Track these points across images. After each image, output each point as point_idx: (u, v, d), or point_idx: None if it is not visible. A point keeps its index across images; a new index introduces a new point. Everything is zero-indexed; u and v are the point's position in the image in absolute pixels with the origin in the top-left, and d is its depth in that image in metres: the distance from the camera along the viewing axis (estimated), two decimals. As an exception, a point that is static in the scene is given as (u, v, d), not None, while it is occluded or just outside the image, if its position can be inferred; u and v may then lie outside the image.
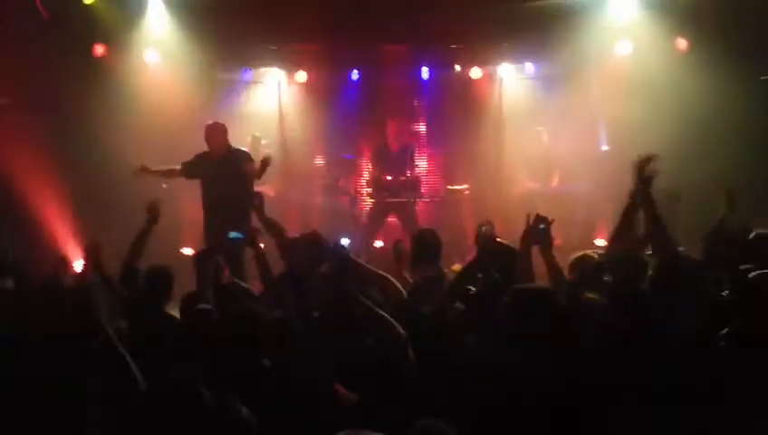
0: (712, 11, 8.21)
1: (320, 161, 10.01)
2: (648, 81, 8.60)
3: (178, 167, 7.28)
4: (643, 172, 3.92)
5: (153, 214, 4.83)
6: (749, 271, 3.47)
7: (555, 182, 9.27)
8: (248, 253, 4.99)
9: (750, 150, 7.99)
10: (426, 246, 4.76)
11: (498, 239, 4.23)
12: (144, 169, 7.10)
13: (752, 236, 4.31)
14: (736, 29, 8.02)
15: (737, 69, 8.05)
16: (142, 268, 4.64)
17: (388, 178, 8.92)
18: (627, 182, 4.11)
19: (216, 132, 7.10)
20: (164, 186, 8.03)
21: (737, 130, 7.98)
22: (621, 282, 3.77)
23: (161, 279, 4.50)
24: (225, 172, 6.96)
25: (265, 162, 7.12)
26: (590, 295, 3.60)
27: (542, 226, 4.06)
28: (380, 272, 4.36)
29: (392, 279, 4.30)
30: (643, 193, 3.91)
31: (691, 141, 7.94)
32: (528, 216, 4.10)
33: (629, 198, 4.07)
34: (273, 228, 4.82)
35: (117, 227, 5.73)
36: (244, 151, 7.38)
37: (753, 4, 7.86)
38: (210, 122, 7.25)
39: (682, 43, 8.77)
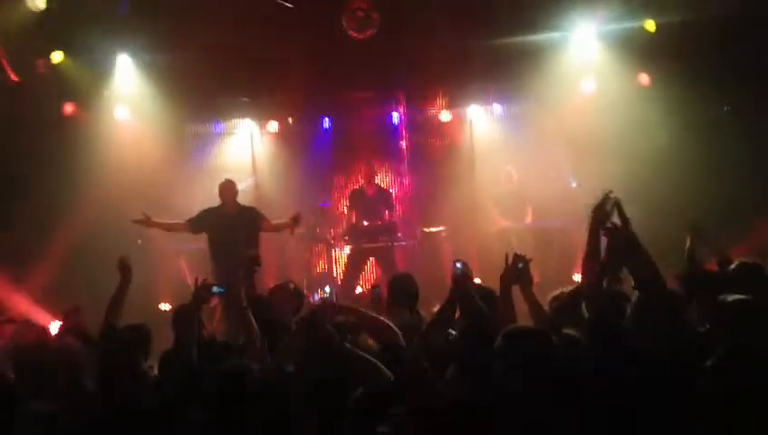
0: (672, 46, 8.45)
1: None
2: (613, 116, 8.79)
3: (182, 221, 7.58)
4: (601, 213, 3.91)
5: (124, 272, 4.78)
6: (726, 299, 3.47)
7: (529, 219, 9.35)
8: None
9: (716, 180, 8.14)
10: (402, 291, 4.77)
11: (475, 280, 4.24)
12: (147, 220, 7.32)
13: (734, 265, 4.33)
14: (697, 62, 8.25)
15: (700, 101, 8.27)
16: (120, 326, 4.57)
17: (365, 223, 8.94)
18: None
19: (230, 189, 7.62)
20: (138, 241, 7.98)
21: (703, 160, 8.14)
22: (599, 317, 3.75)
23: (139, 336, 4.44)
24: (236, 227, 7.34)
25: (296, 218, 7.46)
26: (569, 331, 3.59)
27: (520, 265, 4.07)
28: (375, 316, 4.33)
29: (389, 324, 4.27)
30: (595, 231, 3.90)
31: (657, 174, 8.10)
32: (506, 255, 4.11)
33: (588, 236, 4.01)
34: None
35: (91, 285, 5.65)
36: (253, 208, 7.79)
37: (711, 36, 8.09)
38: (224, 180, 7.73)
39: (644, 79, 9.01)
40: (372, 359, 3.60)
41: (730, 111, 8.59)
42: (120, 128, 9.13)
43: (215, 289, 4.48)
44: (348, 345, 3.69)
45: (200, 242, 9.13)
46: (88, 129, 8.87)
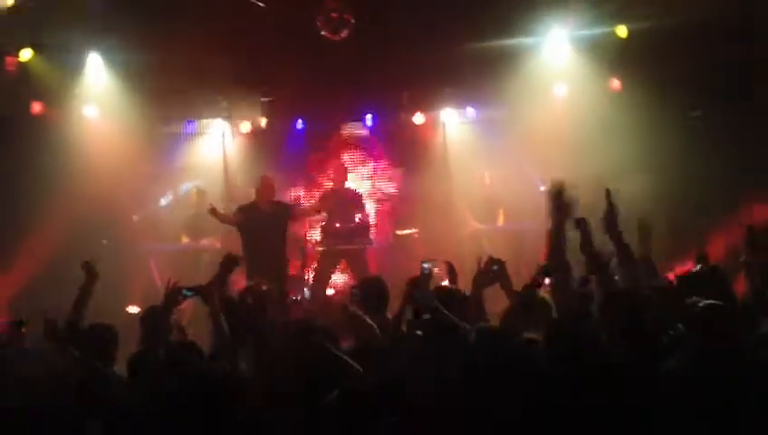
0: (643, 51, 8.55)
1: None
2: (585, 120, 8.87)
3: (233, 213, 8.12)
4: (559, 201, 3.93)
5: (89, 273, 4.70)
6: (696, 304, 3.51)
7: (500, 222, 9.40)
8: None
9: (685, 183, 8.25)
10: (371, 294, 4.76)
11: (444, 283, 4.25)
12: (213, 211, 7.89)
13: (696, 269, 4.38)
14: (668, 67, 8.35)
15: (670, 106, 8.38)
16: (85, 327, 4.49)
17: (337, 225, 8.91)
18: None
19: (268, 185, 8.10)
20: (104, 242, 7.88)
21: (672, 164, 8.24)
22: (564, 319, 3.76)
23: (105, 338, 4.37)
24: (269, 224, 7.83)
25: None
26: (530, 335, 3.60)
27: (495, 267, 4.09)
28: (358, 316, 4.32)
29: (366, 320, 4.26)
30: (559, 223, 3.92)
31: (627, 177, 8.18)
32: (479, 258, 4.12)
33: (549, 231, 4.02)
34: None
35: (60, 286, 5.55)
36: (283, 202, 8.41)
37: (682, 42, 8.21)
38: (261, 176, 8.23)
39: (615, 84, 9.11)
40: (351, 361, 3.59)
41: (700, 116, 8.71)
42: (90, 127, 9.02)
43: (185, 292, 4.42)
44: (330, 347, 3.68)
45: (169, 243, 9.09)
46: (57, 127, 8.74)
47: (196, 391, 3.28)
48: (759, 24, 7.79)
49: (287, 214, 8.14)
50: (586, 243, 3.90)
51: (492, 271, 4.09)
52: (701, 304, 3.44)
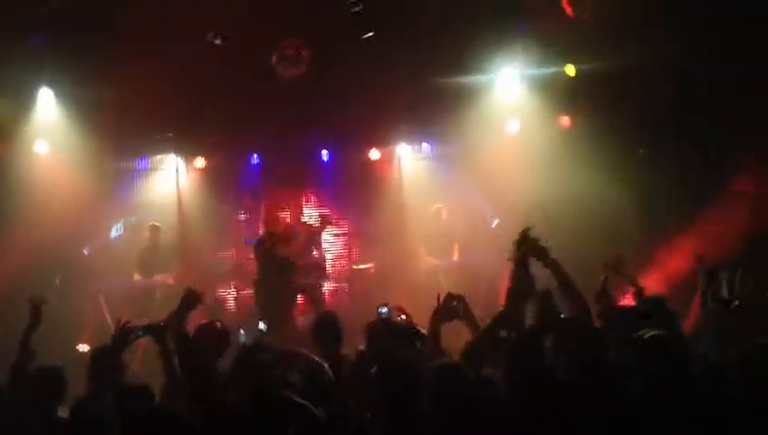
0: (590, 90, 8.81)
1: (223, 247, 9.86)
2: (535, 157, 9.07)
3: None
4: (525, 244, 4.02)
5: (34, 311, 4.59)
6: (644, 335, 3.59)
7: (456, 257, 9.48)
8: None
9: (631, 219, 8.45)
10: (325, 330, 4.77)
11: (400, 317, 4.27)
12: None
13: (641, 301, 4.50)
14: (615, 105, 8.61)
15: (618, 143, 8.62)
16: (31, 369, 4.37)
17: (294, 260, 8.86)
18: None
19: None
20: (57, 281, 7.72)
21: (620, 199, 8.45)
22: (516, 355, 3.80)
23: (51, 381, 4.25)
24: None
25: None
26: (489, 370, 3.63)
27: (455, 302, 4.12)
28: (299, 350, 4.29)
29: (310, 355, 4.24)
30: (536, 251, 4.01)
31: (574, 214, 8.38)
32: (438, 295, 4.15)
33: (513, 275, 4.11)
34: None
35: (8, 327, 5.39)
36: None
37: (630, 81, 8.48)
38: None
39: (565, 121, 9.35)
40: (302, 401, 3.56)
41: (645, 154, 8.97)
42: (41, 163, 8.85)
43: (138, 331, 4.34)
44: (281, 388, 3.64)
45: (121, 279, 8.92)
46: (7, 163, 8.56)
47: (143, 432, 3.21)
48: (697, 65, 8.09)
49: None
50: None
51: (451, 307, 4.12)
52: (648, 335, 3.53)
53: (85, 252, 8.88)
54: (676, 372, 3.43)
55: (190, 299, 4.52)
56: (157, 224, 9.30)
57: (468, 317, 4.14)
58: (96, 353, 4.42)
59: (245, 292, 9.29)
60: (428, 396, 3.30)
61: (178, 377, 4.10)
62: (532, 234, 4.05)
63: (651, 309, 4.28)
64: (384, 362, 3.59)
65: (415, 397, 3.32)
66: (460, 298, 4.15)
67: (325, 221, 8.85)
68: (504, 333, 3.94)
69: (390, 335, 4.25)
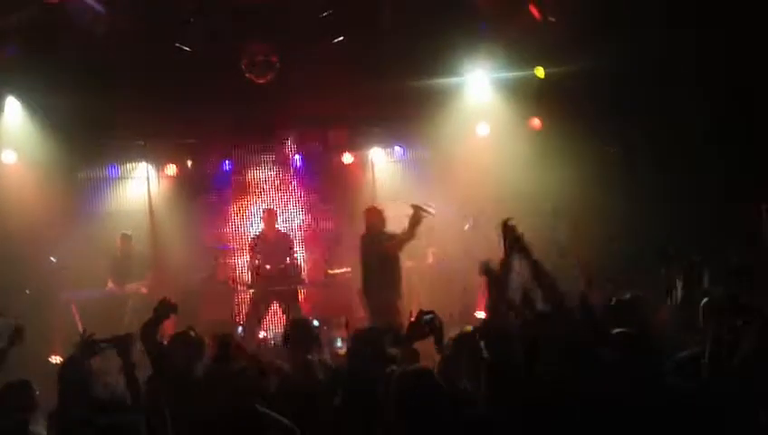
0: (559, 91, 8.90)
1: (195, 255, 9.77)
2: (506, 158, 9.13)
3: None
4: (512, 233, 4.03)
5: (17, 338, 4.52)
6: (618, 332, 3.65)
7: (430, 259, 9.50)
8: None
9: (601, 218, 8.54)
10: (298, 336, 4.76)
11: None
12: None
13: (613, 302, 4.55)
14: (584, 106, 8.69)
15: (587, 143, 8.71)
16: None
17: (268, 267, 8.84)
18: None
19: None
20: (27, 292, 7.61)
21: (589, 199, 8.53)
22: (496, 359, 3.81)
23: (19, 395, 4.19)
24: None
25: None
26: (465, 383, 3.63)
27: (427, 317, 4.13)
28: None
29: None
30: (520, 248, 4.00)
31: (545, 214, 8.45)
32: (410, 312, 4.15)
33: (500, 264, 4.12)
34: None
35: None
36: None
37: (598, 83, 8.57)
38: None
39: (535, 122, 9.43)
40: (281, 418, 3.55)
41: (615, 152, 9.07)
42: (8, 172, 8.72)
43: (101, 344, 4.28)
44: (259, 407, 3.62)
45: (94, 289, 8.81)
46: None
47: None
48: (665, 66, 8.21)
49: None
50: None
51: (424, 324, 4.12)
52: (619, 332, 3.59)
53: (52, 259, 8.75)
54: (648, 367, 3.48)
55: (164, 309, 4.47)
56: (128, 233, 9.21)
57: (437, 337, 4.12)
58: (64, 366, 4.36)
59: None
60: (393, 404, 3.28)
61: (140, 390, 4.05)
62: (512, 224, 4.04)
63: (623, 306, 4.35)
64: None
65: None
66: (432, 314, 4.14)
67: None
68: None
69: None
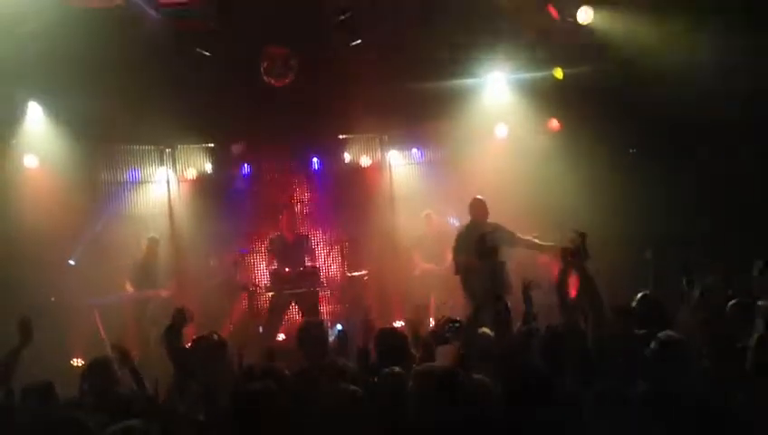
0: (578, 92, 8.85)
1: (214, 258, 9.83)
2: (525, 160, 9.09)
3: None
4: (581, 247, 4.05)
5: (25, 333, 4.57)
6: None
7: (449, 262, 9.47)
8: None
9: (622, 220, 8.47)
10: (311, 338, 4.77)
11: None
12: None
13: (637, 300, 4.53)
14: (604, 107, 8.64)
15: (607, 144, 8.66)
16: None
17: (287, 269, 8.86)
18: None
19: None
20: (52, 299, 7.68)
21: (609, 201, 8.48)
22: (507, 356, 3.81)
23: (41, 395, 4.23)
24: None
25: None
26: (478, 376, 3.62)
27: (456, 325, 4.14)
28: None
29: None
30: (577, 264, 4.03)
31: (568, 215, 8.39)
32: (439, 319, 4.15)
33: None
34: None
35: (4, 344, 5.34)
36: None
37: (616, 82, 8.52)
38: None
39: (554, 124, 9.39)
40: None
41: (635, 154, 9.01)
42: (30, 177, 8.81)
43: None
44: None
45: (113, 294, 8.87)
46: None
47: None
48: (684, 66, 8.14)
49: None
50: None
51: (448, 331, 4.14)
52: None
53: (71, 262, 8.82)
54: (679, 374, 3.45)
55: (180, 318, 4.64)
56: (156, 236, 9.25)
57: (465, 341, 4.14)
58: (91, 368, 4.42)
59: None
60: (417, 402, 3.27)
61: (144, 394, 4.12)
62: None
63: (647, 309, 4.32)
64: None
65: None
66: (459, 323, 4.17)
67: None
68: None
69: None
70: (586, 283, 3.93)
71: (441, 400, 3.21)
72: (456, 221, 9.24)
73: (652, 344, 3.60)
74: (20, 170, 8.76)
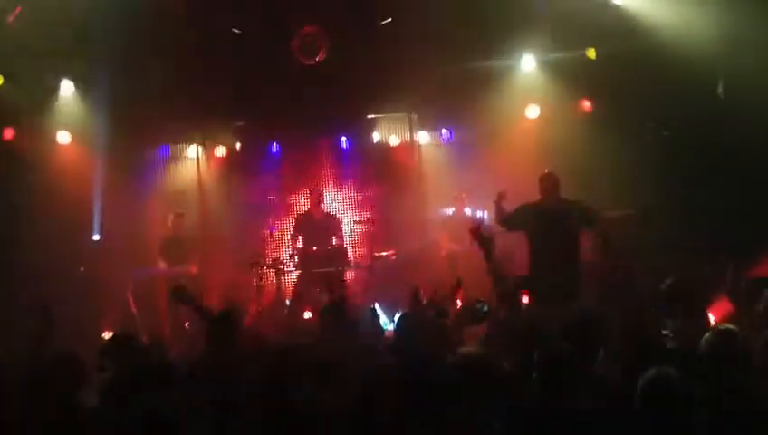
0: (612, 72, 8.69)
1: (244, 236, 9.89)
2: (557, 141, 8.98)
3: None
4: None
5: (46, 317, 4.65)
6: None
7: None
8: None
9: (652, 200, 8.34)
10: (337, 319, 4.79)
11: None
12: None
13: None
14: (637, 87, 8.49)
15: (639, 125, 8.51)
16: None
17: (314, 248, 8.89)
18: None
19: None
20: (81, 269, 7.79)
21: (644, 184, 8.35)
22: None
23: (68, 366, 4.30)
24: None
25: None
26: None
27: (484, 308, 4.14)
28: None
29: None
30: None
31: (601, 196, 8.28)
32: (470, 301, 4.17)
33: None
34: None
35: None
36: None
37: (651, 64, 8.35)
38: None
39: (586, 104, 9.25)
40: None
41: (668, 136, 8.84)
42: (63, 153, 8.95)
43: None
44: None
45: (144, 269, 8.99)
46: (29, 153, 8.67)
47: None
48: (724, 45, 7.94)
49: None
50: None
51: (474, 310, 4.13)
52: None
53: (96, 237, 8.95)
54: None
55: (177, 296, 4.86)
56: (181, 211, 9.35)
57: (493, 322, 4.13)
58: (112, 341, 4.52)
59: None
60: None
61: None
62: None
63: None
64: None
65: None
66: (487, 305, 4.16)
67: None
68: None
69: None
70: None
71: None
72: (483, 215, 9.12)
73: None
74: (53, 146, 8.89)
